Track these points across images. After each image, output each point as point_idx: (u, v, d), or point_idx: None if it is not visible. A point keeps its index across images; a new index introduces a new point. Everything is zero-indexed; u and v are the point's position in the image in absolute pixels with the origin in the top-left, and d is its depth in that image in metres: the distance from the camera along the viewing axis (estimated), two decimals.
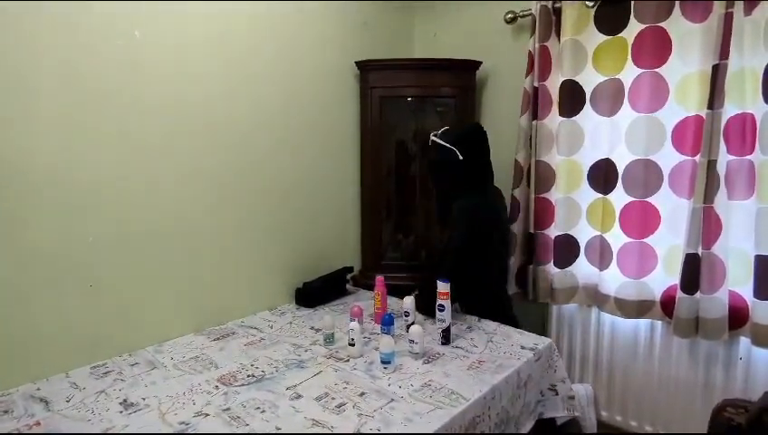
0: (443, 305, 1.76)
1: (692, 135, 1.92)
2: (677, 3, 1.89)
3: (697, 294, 1.90)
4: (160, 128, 1.77)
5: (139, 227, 1.74)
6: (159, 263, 1.81)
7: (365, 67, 2.43)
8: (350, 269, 2.44)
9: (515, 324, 1.99)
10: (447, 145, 1.95)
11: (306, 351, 1.76)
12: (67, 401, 1.43)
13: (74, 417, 1.35)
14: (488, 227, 1.98)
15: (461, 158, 1.93)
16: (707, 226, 1.86)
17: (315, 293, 2.25)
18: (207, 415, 1.35)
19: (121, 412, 1.37)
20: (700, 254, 1.88)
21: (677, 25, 1.91)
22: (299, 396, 1.45)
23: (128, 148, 1.69)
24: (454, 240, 1.95)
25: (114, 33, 1.63)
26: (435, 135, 2.01)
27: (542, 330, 2.42)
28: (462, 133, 2.01)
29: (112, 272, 1.69)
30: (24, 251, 1.49)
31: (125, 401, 1.43)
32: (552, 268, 2.29)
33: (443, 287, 1.77)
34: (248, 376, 1.57)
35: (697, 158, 1.88)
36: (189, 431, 1.28)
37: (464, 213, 1.94)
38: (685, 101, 1.93)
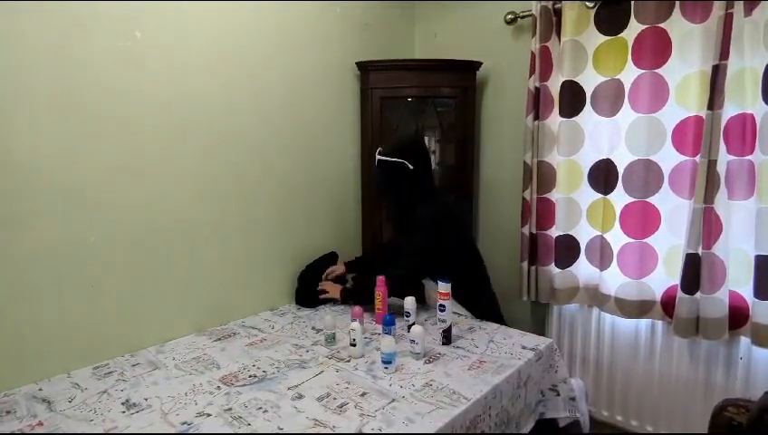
0: (443, 305, 1.76)
1: (692, 135, 1.93)
2: (677, 3, 1.90)
3: (698, 294, 1.91)
4: (161, 128, 1.78)
5: (140, 228, 1.75)
6: (161, 263, 1.82)
7: (365, 67, 2.43)
8: (335, 255, 2.40)
9: (504, 324, 2.02)
10: (396, 160, 1.97)
11: (308, 351, 1.76)
12: (69, 402, 1.43)
13: (76, 417, 1.35)
14: (458, 227, 2.04)
15: (411, 168, 1.97)
16: (708, 226, 1.86)
17: (315, 293, 2.24)
18: (209, 415, 1.36)
19: (123, 413, 1.37)
20: (700, 254, 1.89)
21: (678, 26, 1.91)
22: (300, 396, 1.45)
23: (128, 148, 1.70)
24: (418, 243, 1.98)
25: (115, 33, 1.63)
26: (380, 154, 2.02)
27: (542, 330, 2.42)
28: (405, 145, 2.06)
29: (114, 272, 1.69)
30: (26, 252, 1.50)
31: (127, 401, 1.43)
32: (552, 269, 2.29)
33: (443, 287, 1.78)
34: (250, 376, 1.58)
35: (697, 158, 1.89)
36: (191, 431, 1.28)
37: (428, 217, 1.98)
38: (685, 102, 1.94)
